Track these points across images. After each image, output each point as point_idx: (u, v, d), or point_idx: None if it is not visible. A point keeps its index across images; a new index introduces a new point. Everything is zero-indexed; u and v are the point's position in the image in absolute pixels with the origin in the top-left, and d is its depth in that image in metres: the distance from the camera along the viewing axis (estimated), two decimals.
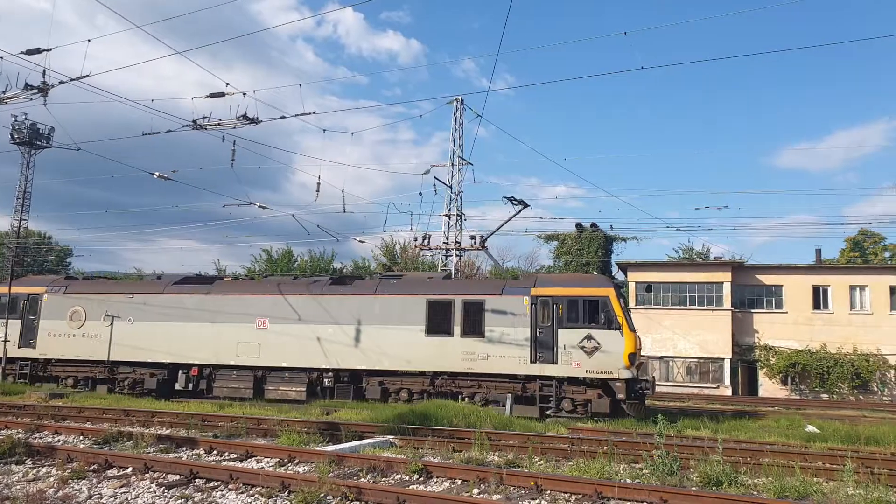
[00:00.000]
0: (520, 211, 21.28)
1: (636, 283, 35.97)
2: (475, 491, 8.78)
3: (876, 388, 31.03)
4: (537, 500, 8.37)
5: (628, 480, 9.35)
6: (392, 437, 13.04)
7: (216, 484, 8.92)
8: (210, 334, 20.72)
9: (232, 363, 20.53)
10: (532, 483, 8.76)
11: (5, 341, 22.56)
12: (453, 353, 18.66)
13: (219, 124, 15.26)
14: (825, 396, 30.97)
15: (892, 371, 31.16)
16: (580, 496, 8.47)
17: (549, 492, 8.67)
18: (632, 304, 35.70)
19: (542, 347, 17.94)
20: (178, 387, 21.10)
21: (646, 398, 18.15)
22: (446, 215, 29.87)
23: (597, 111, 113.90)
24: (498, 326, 18.42)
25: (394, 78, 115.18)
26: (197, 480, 9.06)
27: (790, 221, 79.27)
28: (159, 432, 13.31)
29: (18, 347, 22.84)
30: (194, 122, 15.30)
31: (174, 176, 18.56)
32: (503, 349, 18.19)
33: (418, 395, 18.93)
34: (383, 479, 9.52)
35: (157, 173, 17.70)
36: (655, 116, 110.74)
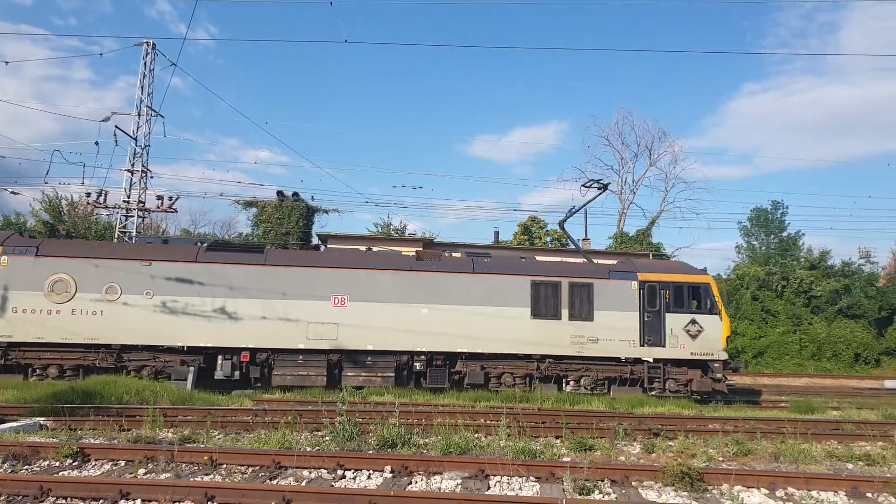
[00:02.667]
0: (600, 193, 20.44)
1: None
2: (141, 471, 7.91)
3: None
4: (211, 475, 7.85)
5: (308, 449, 9.32)
6: (44, 418, 11.23)
7: None
8: (268, 313, 17.00)
9: (300, 346, 17.11)
10: (206, 458, 8.20)
11: None
12: (561, 337, 18.06)
13: None
14: None
15: None
16: (258, 467, 8.18)
17: (224, 465, 8.22)
18: None
19: (651, 331, 18.24)
20: (219, 375, 16.91)
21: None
22: (129, 170, 26.56)
23: (304, 78, 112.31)
24: (607, 310, 18.23)
25: (68, 6, 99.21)
26: None
27: (475, 205, 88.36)
28: None
29: None
30: None
31: None
32: (612, 333, 18.13)
33: (521, 380, 18.02)
34: (26, 467, 8.09)
35: None
36: (360, 91, 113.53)
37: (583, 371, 18.24)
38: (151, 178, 27.44)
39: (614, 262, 20.70)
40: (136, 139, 26.82)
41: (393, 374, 17.61)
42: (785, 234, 48.51)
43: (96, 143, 25.94)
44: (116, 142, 26.02)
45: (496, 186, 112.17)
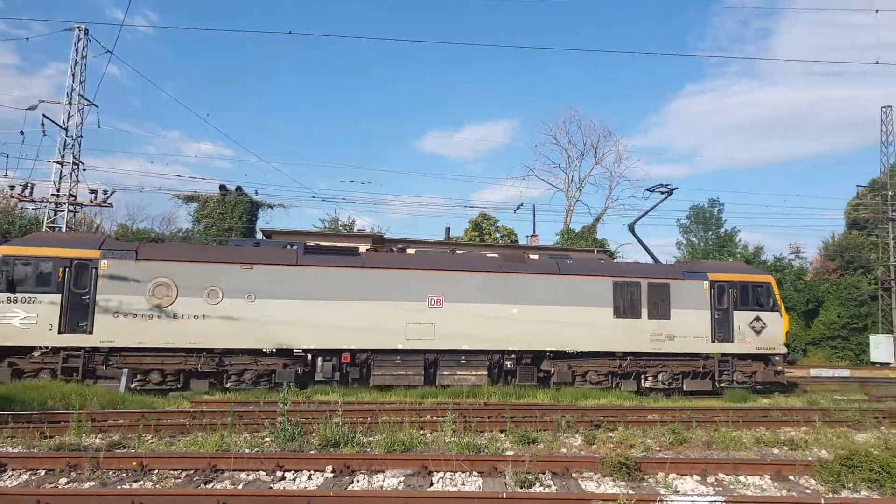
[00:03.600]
0: (665, 198, 21.80)
1: None
2: (63, 480, 7.52)
3: None
4: (141, 482, 7.53)
5: (247, 450, 9.07)
6: None
7: None
8: (368, 315, 17.28)
9: (400, 347, 17.47)
10: (135, 463, 7.87)
11: None
12: (642, 335, 18.89)
13: None
14: None
15: None
16: (192, 471, 7.90)
17: (156, 471, 7.90)
18: None
19: (721, 328, 19.37)
20: (318, 377, 17.25)
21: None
22: (58, 162, 25.37)
23: (248, 70, 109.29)
24: (681, 309, 19.16)
25: None
26: None
27: (426, 201, 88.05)
28: None
29: (60, 333, 15.80)
30: None
31: None
32: (687, 330, 19.10)
33: (605, 377, 18.79)
34: None
35: None
36: (308, 84, 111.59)
37: (660, 367, 19.17)
38: (84, 170, 26.24)
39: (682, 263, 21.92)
40: (66, 129, 25.59)
41: (486, 373, 18.05)
42: (722, 230, 50.13)
43: (21, 133, 24.79)
44: (44, 132, 24.81)
45: (447, 182, 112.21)
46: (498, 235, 49.61)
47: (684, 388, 19.15)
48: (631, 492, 7.27)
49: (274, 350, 17.05)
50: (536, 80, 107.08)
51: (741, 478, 8.17)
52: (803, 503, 6.74)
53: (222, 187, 32.78)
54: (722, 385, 19.34)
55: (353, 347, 17.29)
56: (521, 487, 7.53)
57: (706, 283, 19.56)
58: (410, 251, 20.68)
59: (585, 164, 52.17)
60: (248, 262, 16.99)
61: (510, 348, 18.22)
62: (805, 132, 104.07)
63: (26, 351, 15.86)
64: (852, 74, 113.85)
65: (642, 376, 19.15)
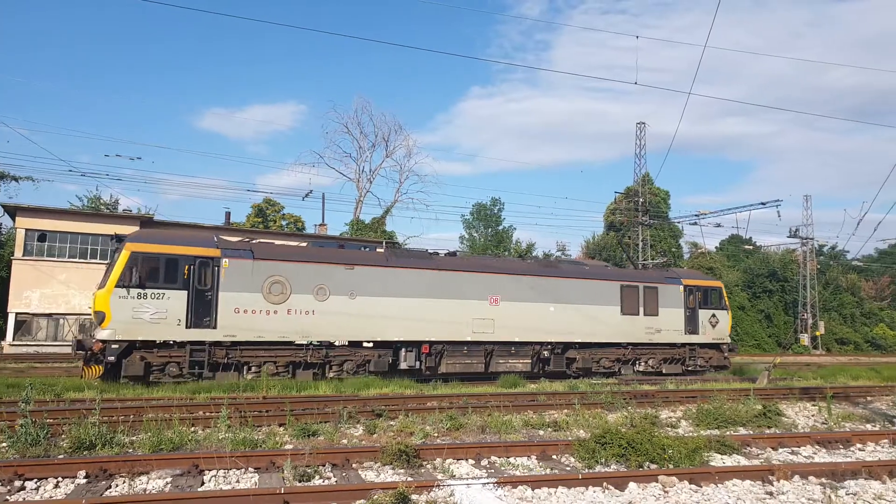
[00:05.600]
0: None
1: (27, 230, 31.55)
2: None
3: None
4: None
5: None
6: None
7: None
8: (444, 311, 19.90)
9: (468, 339, 20.19)
10: None
11: None
12: (640, 328, 23.10)
13: None
14: None
15: None
16: None
17: None
18: (18, 254, 31.27)
19: (690, 323, 24.13)
20: (403, 366, 19.31)
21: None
22: None
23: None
24: (665, 307, 23.65)
25: None
26: None
27: (204, 182, 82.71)
28: None
29: (188, 327, 16.58)
30: None
31: None
32: (668, 324, 23.64)
33: (612, 363, 22.70)
34: None
35: None
36: (65, 43, 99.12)
37: (650, 355, 23.57)
38: None
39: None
40: None
41: (530, 361, 21.17)
42: (500, 227, 53.88)
43: None
44: None
45: (229, 164, 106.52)
46: (284, 223, 48.28)
47: (664, 371, 23.37)
48: (410, 479, 7.44)
49: (370, 342, 18.99)
50: (327, 67, 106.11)
51: (511, 459, 8.72)
52: (564, 479, 7.38)
53: None
54: (688, 368, 23.88)
55: (431, 339, 19.65)
56: (301, 481, 7.34)
57: (681, 287, 24.37)
58: (560, 261, 26.18)
59: (377, 157, 52.79)
60: (350, 263, 18.97)
61: (548, 340, 21.52)
62: (575, 140, 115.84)
63: (154, 345, 16.39)
64: (616, 92, 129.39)
65: (637, 362, 23.39)
